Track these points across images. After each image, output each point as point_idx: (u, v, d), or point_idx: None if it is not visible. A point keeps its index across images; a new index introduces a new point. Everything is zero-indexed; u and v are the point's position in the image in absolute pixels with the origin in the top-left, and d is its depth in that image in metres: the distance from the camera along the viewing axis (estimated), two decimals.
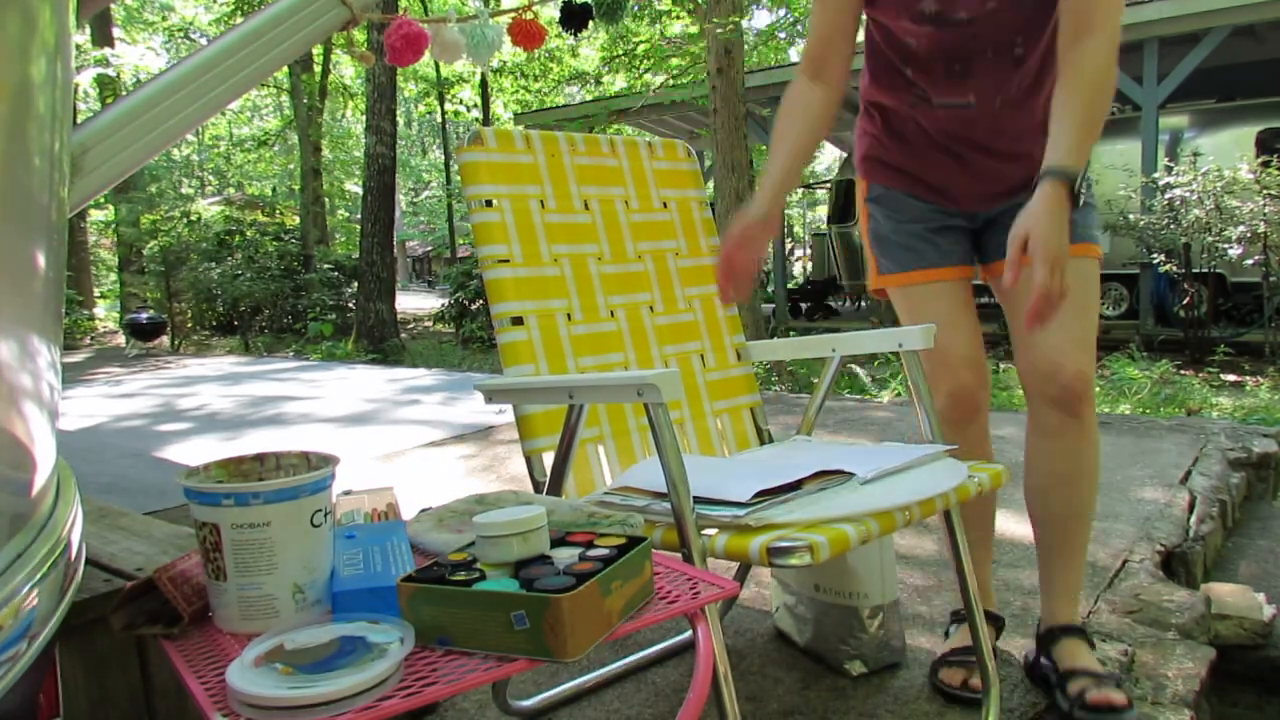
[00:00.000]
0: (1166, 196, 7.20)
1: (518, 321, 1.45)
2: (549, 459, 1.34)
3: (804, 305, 12.51)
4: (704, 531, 1.11)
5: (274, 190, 25.32)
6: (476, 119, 20.45)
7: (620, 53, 14.82)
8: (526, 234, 1.51)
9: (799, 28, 13.39)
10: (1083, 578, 1.61)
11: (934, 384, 1.55)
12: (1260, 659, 1.97)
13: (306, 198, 13.91)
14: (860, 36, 1.55)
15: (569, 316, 1.52)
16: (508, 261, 1.47)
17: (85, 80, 12.41)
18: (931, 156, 1.54)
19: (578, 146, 1.64)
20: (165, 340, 11.03)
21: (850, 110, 1.75)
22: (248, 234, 13.10)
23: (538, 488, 1.36)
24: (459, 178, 1.53)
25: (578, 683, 1.59)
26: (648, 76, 13.33)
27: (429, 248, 32.75)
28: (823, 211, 21.37)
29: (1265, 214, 6.73)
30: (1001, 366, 6.40)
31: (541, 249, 1.52)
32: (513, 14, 1.49)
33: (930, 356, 1.52)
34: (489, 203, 1.49)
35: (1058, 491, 1.54)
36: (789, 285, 10.77)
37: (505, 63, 18.15)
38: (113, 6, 14.22)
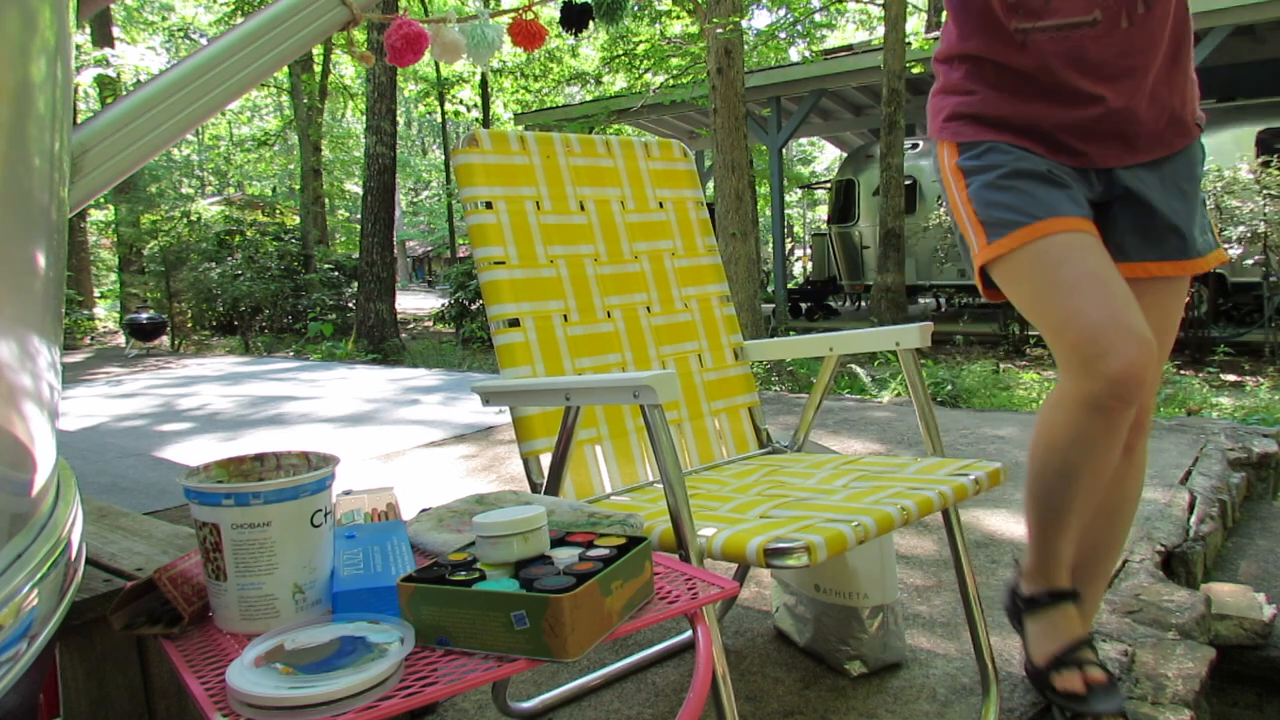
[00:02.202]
0: None
1: (514, 323, 1.45)
2: (546, 460, 1.34)
3: (804, 305, 12.53)
4: (701, 532, 1.11)
5: (274, 190, 25.35)
6: (476, 119, 20.46)
7: (620, 53, 14.83)
8: (522, 236, 1.51)
9: (799, 28, 13.40)
10: (1101, 598, 1.50)
11: (1090, 362, 1.16)
12: (1260, 659, 1.97)
13: (306, 198, 13.92)
14: None
15: (565, 318, 1.52)
16: (504, 263, 1.47)
17: (85, 80, 12.41)
18: (1046, 101, 1.25)
19: (573, 147, 1.64)
20: (165, 340, 11.03)
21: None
22: (248, 234, 13.11)
23: (535, 489, 1.36)
24: (455, 179, 1.53)
25: (577, 683, 1.59)
26: (648, 76, 13.34)
27: (429, 248, 32.77)
28: (823, 211, 21.38)
29: (1265, 214, 6.74)
30: (1001, 367, 6.40)
31: (537, 250, 1.52)
32: (513, 14, 1.48)
33: (1085, 324, 1.16)
34: (485, 204, 1.49)
35: (1096, 522, 1.41)
36: (789, 285, 10.76)
37: (505, 63, 18.17)
38: (113, 6, 14.21)
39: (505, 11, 1.50)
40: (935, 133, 1.37)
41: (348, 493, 1.21)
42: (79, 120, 1.00)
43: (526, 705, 1.51)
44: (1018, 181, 1.25)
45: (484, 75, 18.24)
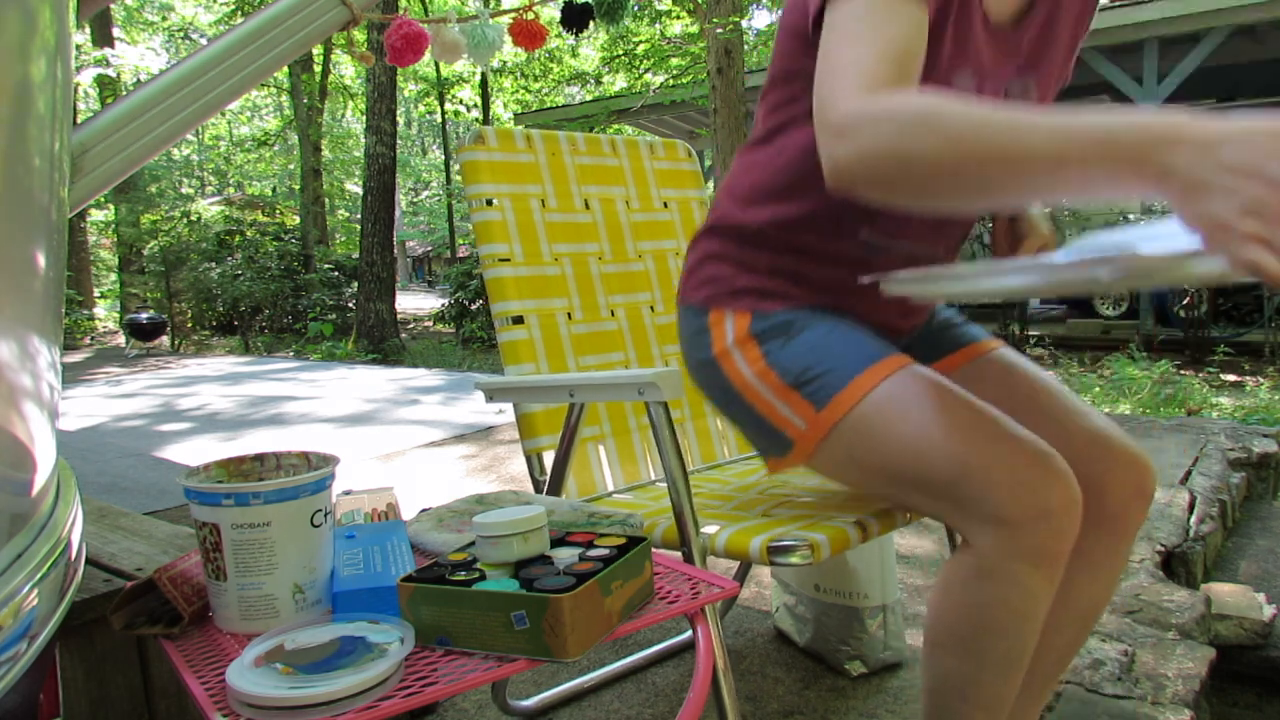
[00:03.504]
0: None
1: (518, 320, 1.45)
2: (549, 458, 1.34)
3: None
4: (704, 530, 1.11)
5: (274, 190, 25.36)
6: (476, 119, 20.48)
7: (620, 53, 14.83)
8: (527, 233, 1.51)
9: None
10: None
11: (1014, 505, 0.89)
12: (1260, 659, 1.97)
13: (306, 198, 13.92)
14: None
15: (570, 315, 1.52)
16: (508, 260, 1.47)
17: (85, 80, 12.42)
18: (868, 289, 1.03)
19: (578, 146, 1.64)
20: (165, 340, 11.03)
21: None
22: (248, 234, 13.12)
23: (538, 486, 1.36)
24: (460, 177, 1.53)
25: (577, 683, 1.59)
26: (648, 76, 13.34)
27: (429, 248, 32.77)
28: None
29: None
30: None
31: (542, 248, 1.52)
32: (513, 14, 1.48)
33: (989, 462, 0.91)
34: (490, 202, 1.49)
35: (1065, 633, 1.09)
36: None
37: (505, 63, 18.18)
38: (113, 6, 14.22)
39: (505, 11, 1.50)
40: (717, 301, 1.13)
41: (348, 493, 1.21)
42: (79, 120, 1.00)
43: (526, 704, 1.51)
44: (831, 334, 1.04)
45: (484, 75, 18.26)
